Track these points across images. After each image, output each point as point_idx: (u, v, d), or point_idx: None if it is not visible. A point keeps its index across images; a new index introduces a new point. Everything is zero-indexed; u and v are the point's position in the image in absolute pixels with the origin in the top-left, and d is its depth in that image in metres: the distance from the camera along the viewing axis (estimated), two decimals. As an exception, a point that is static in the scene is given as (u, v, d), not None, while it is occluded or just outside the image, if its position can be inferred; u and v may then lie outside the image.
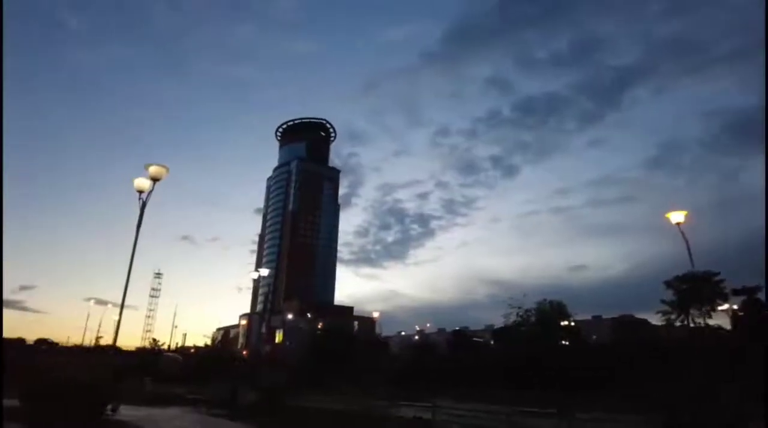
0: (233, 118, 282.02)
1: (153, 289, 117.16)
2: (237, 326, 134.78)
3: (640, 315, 57.77)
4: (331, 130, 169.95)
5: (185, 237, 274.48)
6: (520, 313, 34.84)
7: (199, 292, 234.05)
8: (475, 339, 47.18)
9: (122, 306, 14.86)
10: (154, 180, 14.93)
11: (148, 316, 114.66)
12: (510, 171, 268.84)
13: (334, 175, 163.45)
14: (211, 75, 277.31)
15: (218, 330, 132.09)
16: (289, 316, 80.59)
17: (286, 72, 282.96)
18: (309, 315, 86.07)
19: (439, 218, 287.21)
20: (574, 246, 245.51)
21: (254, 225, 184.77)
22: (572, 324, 32.85)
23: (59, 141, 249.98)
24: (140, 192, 14.94)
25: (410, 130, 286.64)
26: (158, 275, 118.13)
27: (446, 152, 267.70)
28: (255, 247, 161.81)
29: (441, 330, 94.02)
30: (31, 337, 67.00)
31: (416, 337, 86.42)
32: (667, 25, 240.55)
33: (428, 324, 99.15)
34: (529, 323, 34.55)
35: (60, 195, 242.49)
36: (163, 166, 15.12)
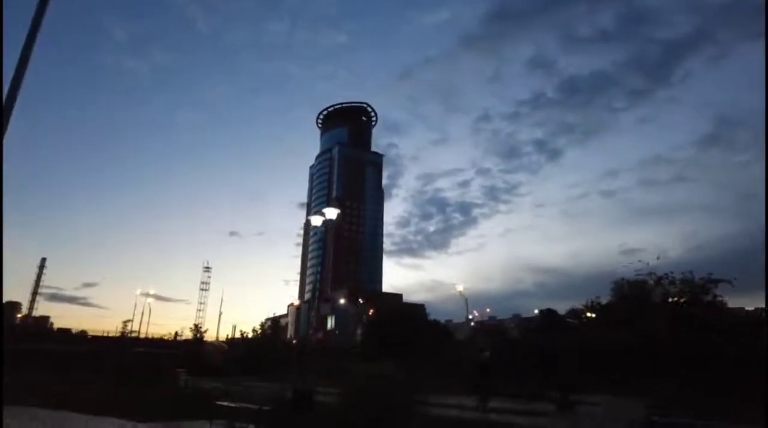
0: (274, 113, 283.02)
1: (203, 283, 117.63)
2: (286, 315, 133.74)
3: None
4: (372, 114, 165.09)
5: (233, 233, 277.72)
6: (651, 281, 26.27)
7: (247, 286, 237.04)
8: (568, 320, 40.63)
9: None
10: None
11: (199, 309, 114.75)
12: (555, 154, 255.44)
13: (377, 160, 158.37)
14: (251, 72, 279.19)
15: (267, 319, 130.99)
16: (342, 301, 76.62)
17: (322, 65, 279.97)
18: (360, 301, 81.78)
19: (481, 206, 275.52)
20: (625, 230, 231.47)
21: (298, 219, 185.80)
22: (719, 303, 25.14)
23: (109, 146, 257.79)
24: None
25: (449, 118, 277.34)
26: (207, 269, 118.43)
27: (487, 138, 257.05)
28: (299, 240, 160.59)
29: (492, 318, 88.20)
30: (92, 331, 68.51)
31: (472, 324, 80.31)
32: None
33: (488, 310, 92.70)
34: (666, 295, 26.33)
35: (114, 196, 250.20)
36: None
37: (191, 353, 32.09)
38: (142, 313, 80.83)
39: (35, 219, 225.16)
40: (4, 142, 5.14)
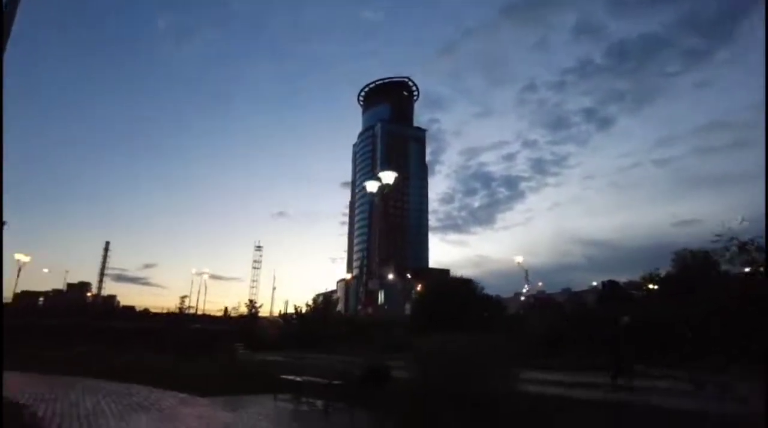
0: (317, 93, 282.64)
1: (255, 261, 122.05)
2: (336, 291, 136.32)
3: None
4: (414, 88, 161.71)
5: (280, 213, 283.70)
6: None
7: (295, 264, 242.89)
8: (632, 292, 38.41)
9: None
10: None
11: (252, 287, 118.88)
12: (604, 123, 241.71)
13: (420, 135, 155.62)
14: (293, 55, 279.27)
15: (318, 294, 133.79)
16: (390, 276, 76.62)
17: (361, 44, 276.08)
18: (408, 276, 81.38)
19: (528, 179, 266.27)
20: (680, 201, 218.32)
21: (343, 198, 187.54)
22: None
23: (164, 133, 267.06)
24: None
25: (493, 90, 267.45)
26: (258, 248, 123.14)
27: (533, 109, 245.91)
28: (345, 219, 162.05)
29: (541, 292, 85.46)
30: (153, 308, 72.89)
31: (522, 298, 78.08)
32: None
33: (540, 284, 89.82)
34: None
35: (170, 181, 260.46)
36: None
37: (247, 328, 32.55)
38: (198, 291, 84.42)
39: (100, 204, 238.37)
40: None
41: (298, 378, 9.30)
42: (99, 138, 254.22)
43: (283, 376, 9.86)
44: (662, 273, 37.18)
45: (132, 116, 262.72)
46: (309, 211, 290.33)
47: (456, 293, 40.20)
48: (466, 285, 37.52)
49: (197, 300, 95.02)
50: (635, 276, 40.92)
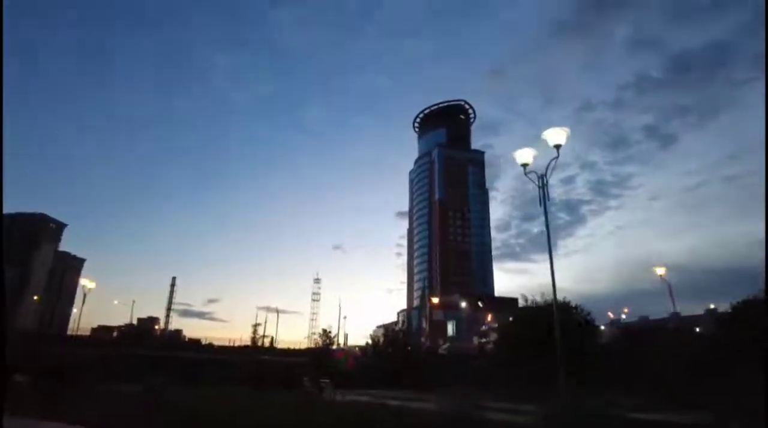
0: (369, 127, 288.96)
1: (314, 294, 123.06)
2: (396, 322, 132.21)
3: None
4: (471, 111, 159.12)
5: (336, 247, 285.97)
6: None
7: (352, 297, 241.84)
8: None
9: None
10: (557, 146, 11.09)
11: (312, 319, 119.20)
12: (667, 140, 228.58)
13: (478, 158, 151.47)
14: (344, 91, 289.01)
15: (378, 327, 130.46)
16: (463, 305, 72.12)
17: (410, 75, 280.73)
18: (480, 305, 76.40)
19: (588, 202, 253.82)
20: (753, 218, 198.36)
21: (398, 229, 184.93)
22: None
23: (222, 174, 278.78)
24: (525, 165, 11.74)
25: (546, 111, 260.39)
26: (317, 281, 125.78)
27: (590, 129, 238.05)
28: (400, 250, 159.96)
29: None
30: (217, 342, 72.88)
31: (604, 325, 70.54)
32: None
33: (626, 309, 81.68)
34: None
35: (232, 220, 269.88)
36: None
37: (322, 360, 29.70)
38: (264, 324, 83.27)
39: (167, 242, 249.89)
40: None
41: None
42: (166, 177, 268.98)
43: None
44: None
45: (195, 155, 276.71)
46: (364, 244, 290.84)
47: (549, 320, 35.46)
48: (565, 312, 33.13)
49: (263, 332, 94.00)
50: (711, 302, 34.41)
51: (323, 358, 29.90)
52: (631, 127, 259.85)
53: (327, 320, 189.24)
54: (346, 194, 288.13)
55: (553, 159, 10.48)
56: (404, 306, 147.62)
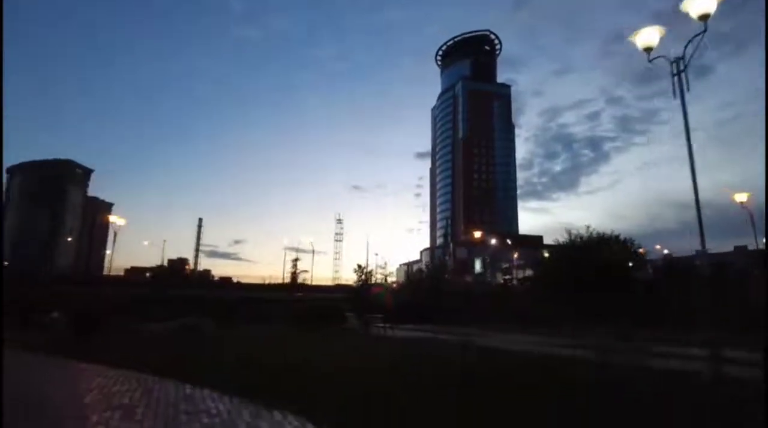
0: (386, 63, 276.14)
1: (336, 234, 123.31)
2: (419, 261, 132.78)
3: None
4: (496, 41, 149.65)
5: (355, 187, 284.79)
6: None
7: (372, 237, 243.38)
8: None
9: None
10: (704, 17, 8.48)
11: (336, 259, 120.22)
12: (701, 71, 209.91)
13: (504, 92, 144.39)
14: (358, 28, 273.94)
15: (402, 265, 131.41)
16: (493, 241, 70.89)
17: (428, 8, 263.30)
18: (509, 242, 75.06)
19: (613, 139, 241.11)
20: None
21: (416, 169, 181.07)
22: None
23: (241, 114, 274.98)
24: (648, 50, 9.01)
25: (572, 44, 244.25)
26: (339, 221, 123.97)
27: (619, 62, 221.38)
28: (419, 190, 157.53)
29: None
30: (243, 281, 74.03)
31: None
32: None
33: (657, 247, 79.13)
34: None
35: (253, 161, 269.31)
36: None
37: (362, 296, 28.94)
38: (283, 261, 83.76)
39: (194, 186, 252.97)
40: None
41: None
42: (186, 121, 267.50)
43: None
44: None
45: (212, 95, 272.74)
46: (383, 184, 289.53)
47: (593, 256, 33.77)
48: (615, 246, 31.44)
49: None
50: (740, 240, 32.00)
51: (362, 294, 29.18)
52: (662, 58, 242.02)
53: (350, 259, 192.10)
54: (364, 136, 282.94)
55: (699, 34, 8.15)
56: (426, 245, 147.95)
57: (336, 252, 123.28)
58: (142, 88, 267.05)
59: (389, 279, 35.12)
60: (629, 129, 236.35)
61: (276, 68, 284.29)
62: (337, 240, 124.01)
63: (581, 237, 34.03)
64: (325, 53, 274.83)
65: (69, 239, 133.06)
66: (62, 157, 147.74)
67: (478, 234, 72.23)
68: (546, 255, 46.33)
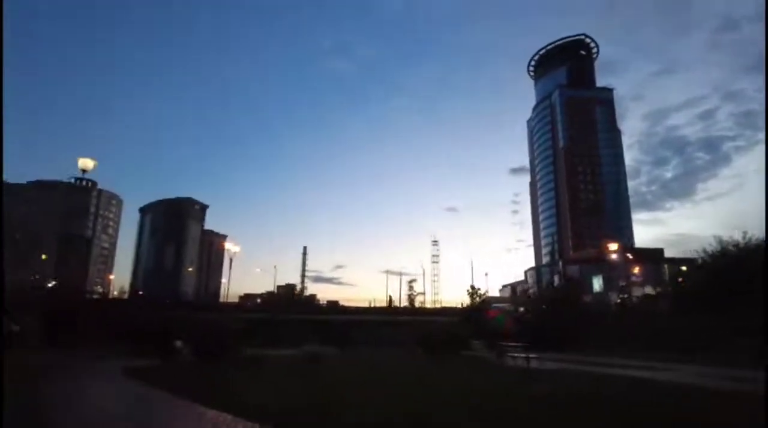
0: (475, 80, 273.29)
1: (433, 255, 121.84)
2: (524, 281, 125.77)
3: None
4: (593, 45, 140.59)
5: (450, 208, 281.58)
6: None
7: (469, 258, 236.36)
8: None
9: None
10: None
11: (434, 281, 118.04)
12: None
13: (606, 97, 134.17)
14: (450, 46, 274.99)
15: (504, 286, 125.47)
16: (614, 257, 64.46)
17: (522, 19, 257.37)
18: (630, 256, 67.69)
19: (733, 138, 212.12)
20: None
21: (511, 186, 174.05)
22: None
23: (337, 144, 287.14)
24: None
25: (676, 38, 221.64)
26: (435, 242, 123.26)
27: (734, 52, 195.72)
28: (516, 208, 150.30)
29: None
30: (346, 304, 75.11)
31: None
32: None
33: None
34: None
35: (352, 188, 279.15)
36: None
37: (477, 319, 26.67)
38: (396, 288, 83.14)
39: (299, 215, 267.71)
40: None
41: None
42: (289, 151, 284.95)
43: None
44: None
45: (309, 132, 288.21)
46: (477, 203, 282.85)
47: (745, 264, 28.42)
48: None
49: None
50: None
51: (476, 317, 26.89)
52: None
53: (448, 282, 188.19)
54: (456, 155, 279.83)
55: None
56: (529, 264, 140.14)
57: (434, 275, 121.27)
58: (244, 129, 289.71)
59: (502, 304, 32.46)
60: (752, 125, 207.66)
61: (369, 95, 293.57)
62: (434, 262, 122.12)
63: (736, 245, 28.86)
64: (414, 76, 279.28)
65: (190, 269, 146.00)
66: (183, 195, 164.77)
67: (594, 249, 66.14)
68: (683, 268, 40.49)
